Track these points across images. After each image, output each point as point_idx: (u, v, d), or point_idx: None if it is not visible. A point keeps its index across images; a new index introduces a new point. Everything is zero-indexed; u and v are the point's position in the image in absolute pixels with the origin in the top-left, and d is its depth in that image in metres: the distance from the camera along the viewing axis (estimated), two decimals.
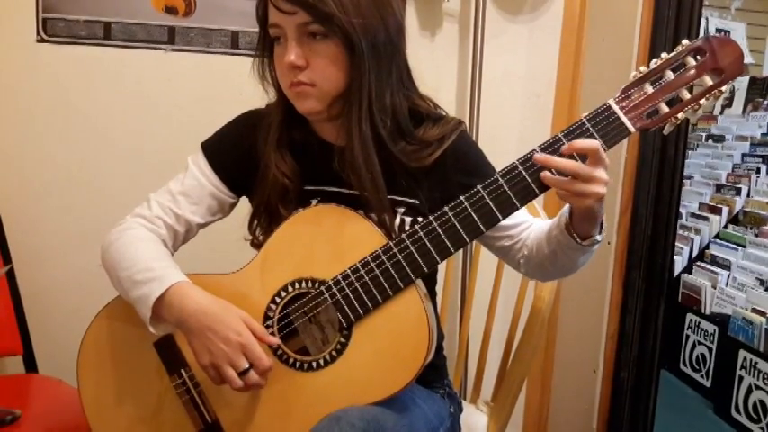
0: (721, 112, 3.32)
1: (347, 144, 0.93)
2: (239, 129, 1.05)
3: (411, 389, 0.92)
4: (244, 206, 1.07)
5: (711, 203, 2.89)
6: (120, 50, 1.62)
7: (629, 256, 1.64)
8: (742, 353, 2.17)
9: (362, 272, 0.90)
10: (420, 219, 0.94)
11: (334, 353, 0.91)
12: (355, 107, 0.91)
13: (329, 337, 0.95)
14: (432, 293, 1.06)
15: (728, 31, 3.45)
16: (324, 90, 0.91)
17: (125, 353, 0.99)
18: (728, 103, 3.28)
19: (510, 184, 0.86)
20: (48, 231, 1.66)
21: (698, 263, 2.73)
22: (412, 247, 0.89)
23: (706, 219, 2.84)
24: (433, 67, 1.72)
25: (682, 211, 2.91)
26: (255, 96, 1.01)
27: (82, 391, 1.00)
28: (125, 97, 1.65)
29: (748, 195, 2.78)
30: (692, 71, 0.83)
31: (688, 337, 2.58)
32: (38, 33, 1.59)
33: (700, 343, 2.51)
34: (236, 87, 1.45)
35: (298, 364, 0.93)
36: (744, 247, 2.59)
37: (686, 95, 0.84)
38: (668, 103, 0.84)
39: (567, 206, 0.89)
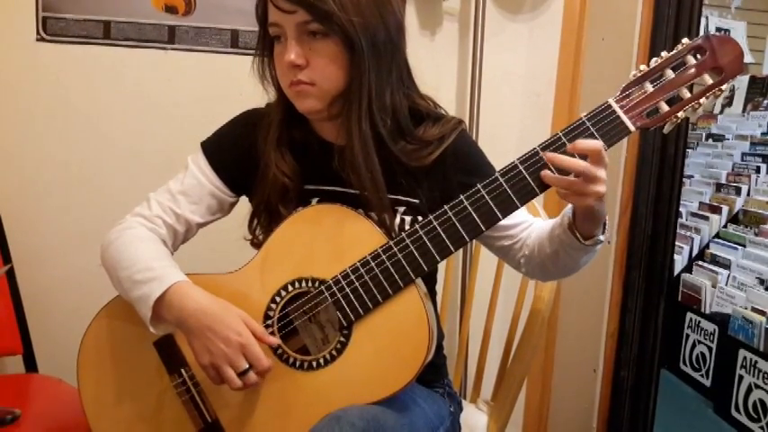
0: (721, 112, 3.32)
1: (347, 143, 0.93)
2: (239, 128, 1.05)
3: (411, 388, 0.92)
4: (244, 206, 1.07)
5: (711, 203, 2.89)
6: (119, 50, 1.62)
7: (629, 255, 1.64)
8: (742, 352, 2.17)
9: (362, 271, 0.90)
10: (420, 218, 0.94)
11: (334, 352, 0.91)
12: (355, 106, 0.91)
13: (329, 337, 0.95)
14: (432, 293, 1.06)
15: (728, 30, 3.45)
16: (324, 89, 0.91)
17: (125, 352, 0.99)
18: (728, 102, 3.28)
19: (510, 183, 0.86)
20: (48, 231, 1.66)
21: (698, 262, 2.73)
22: (412, 247, 0.89)
23: (706, 218, 2.84)
24: (433, 66, 1.72)
25: (682, 210, 2.91)
26: (255, 95, 1.01)
27: (82, 390, 1.00)
28: (125, 97, 1.65)
29: (748, 195, 2.78)
30: (692, 70, 0.83)
31: (688, 336, 2.58)
32: (38, 32, 1.59)
33: (700, 342, 2.51)
34: (236, 87, 1.45)
35: (298, 363, 0.93)
36: (744, 246, 2.59)
37: (686, 94, 0.84)
38: (668, 102, 0.84)
39: (569, 206, 0.89)
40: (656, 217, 1.61)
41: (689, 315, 2.58)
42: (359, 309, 0.90)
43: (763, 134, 2.91)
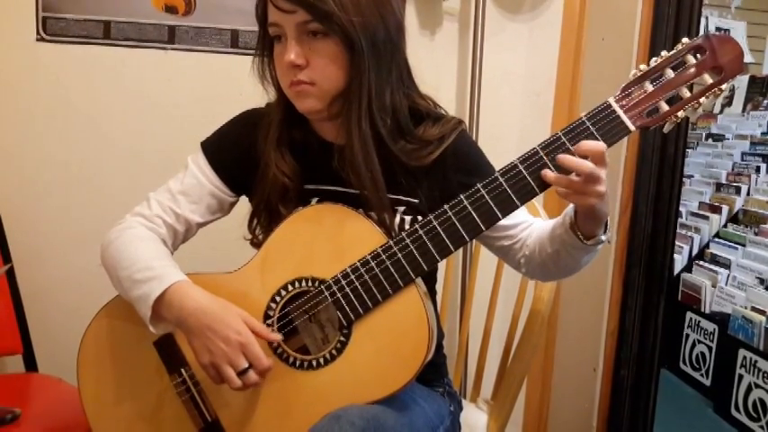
0: (721, 111, 3.32)
1: (347, 143, 0.93)
2: (239, 128, 1.05)
3: (411, 387, 0.92)
4: (244, 205, 1.07)
5: (711, 202, 2.89)
6: (119, 49, 1.62)
7: (629, 254, 1.65)
8: (742, 352, 2.17)
9: (362, 271, 0.90)
10: (420, 218, 0.94)
11: (334, 352, 0.91)
12: (355, 106, 0.91)
13: (329, 336, 0.95)
14: (432, 292, 1.06)
15: (728, 30, 3.46)
16: (324, 89, 0.91)
17: (125, 352, 0.99)
18: (728, 101, 3.28)
19: (510, 182, 0.86)
20: (48, 231, 1.66)
21: (698, 262, 2.74)
22: (412, 246, 0.89)
23: (706, 218, 2.84)
24: (433, 65, 1.72)
25: (682, 209, 2.92)
26: (255, 95, 1.01)
27: (82, 390, 1.00)
28: (125, 97, 1.65)
29: (748, 194, 2.78)
30: (692, 69, 0.83)
31: (688, 335, 2.59)
32: (38, 32, 1.59)
33: (699, 342, 2.51)
34: (235, 86, 1.45)
35: (298, 362, 0.93)
36: (744, 245, 2.59)
37: (686, 94, 0.84)
38: (668, 102, 0.84)
39: (571, 205, 0.89)
40: (656, 216, 1.61)
41: (689, 315, 2.59)
42: (359, 308, 0.90)
43: (762, 134, 2.92)
